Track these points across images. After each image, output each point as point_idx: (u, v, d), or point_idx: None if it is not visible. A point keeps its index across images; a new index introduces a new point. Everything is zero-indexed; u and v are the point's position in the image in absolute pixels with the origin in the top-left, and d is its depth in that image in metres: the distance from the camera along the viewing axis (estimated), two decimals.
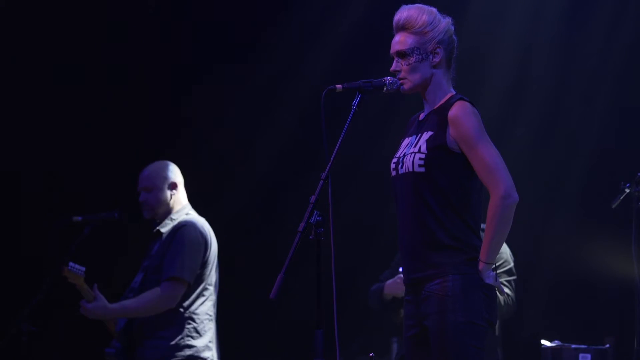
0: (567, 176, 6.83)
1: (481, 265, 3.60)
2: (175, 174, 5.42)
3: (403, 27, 3.78)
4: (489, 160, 3.60)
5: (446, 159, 3.66)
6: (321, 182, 3.57)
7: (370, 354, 4.36)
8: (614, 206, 5.56)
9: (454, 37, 3.81)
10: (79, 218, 5.47)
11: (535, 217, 6.74)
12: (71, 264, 5.12)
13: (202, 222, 5.36)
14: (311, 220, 3.53)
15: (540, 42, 6.92)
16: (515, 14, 6.87)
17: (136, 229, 6.07)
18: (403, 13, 3.79)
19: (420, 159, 3.68)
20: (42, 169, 7.02)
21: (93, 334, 5.97)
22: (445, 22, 3.78)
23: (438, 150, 3.67)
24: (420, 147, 3.70)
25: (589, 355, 5.59)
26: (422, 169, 3.67)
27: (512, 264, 5.71)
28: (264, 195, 7.29)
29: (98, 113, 7.08)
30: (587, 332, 6.21)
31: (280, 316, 6.85)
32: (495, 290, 3.65)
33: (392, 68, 3.80)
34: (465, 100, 3.71)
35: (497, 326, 5.25)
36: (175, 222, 5.34)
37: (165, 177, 5.38)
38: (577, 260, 6.73)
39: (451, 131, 3.66)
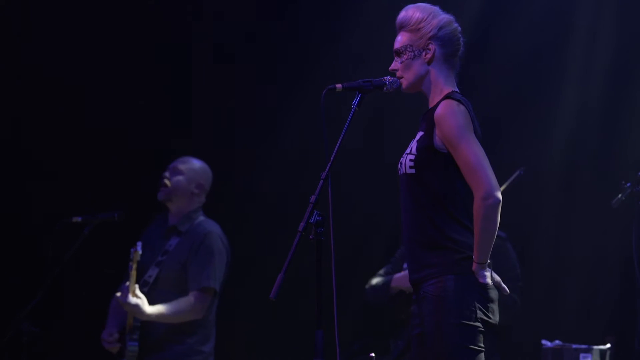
0: (568, 176, 6.82)
1: (474, 266, 3.57)
2: (208, 179, 5.45)
3: (401, 26, 3.81)
4: (469, 160, 3.56)
5: (434, 159, 3.64)
6: (321, 181, 3.57)
7: (371, 354, 4.36)
8: (615, 205, 5.56)
9: (456, 34, 3.78)
10: (79, 218, 5.48)
11: (534, 217, 6.73)
12: (139, 244, 5.11)
13: (219, 229, 5.41)
14: (311, 220, 3.53)
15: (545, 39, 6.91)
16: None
17: (136, 230, 6.06)
18: (402, 12, 3.82)
19: (410, 160, 3.69)
20: (42, 169, 7.02)
21: (92, 334, 5.96)
22: (439, 19, 3.76)
23: (426, 151, 3.66)
24: (412, 148, 3.71)
25: (589, 355, 5.59)
26: (413, 171, 3.68)
27: (519, 270, 5.71)
28: (264, 195, 7.27)
29: (97, 112, 7.07)
30: (588, 332, 6.21)
31: (280, 316, 6.84)
32: (491, 290, 3.61)
33: (390, 67, 3.82)
34: (453, 98, 3.67)
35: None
36: (194, 222, 5.34)
37: (198, 174, 5.39)
38: (577, 260, 6.73)
39: (437, 131, 3.64)
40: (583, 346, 5.63)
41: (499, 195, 3.53)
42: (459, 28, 3.81)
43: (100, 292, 6.65)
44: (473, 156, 3.56)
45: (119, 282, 5.53)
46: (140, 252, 5.07)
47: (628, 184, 5.46)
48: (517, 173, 5.96)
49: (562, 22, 6.80)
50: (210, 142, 7.22)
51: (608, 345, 5.69)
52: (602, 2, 6.74)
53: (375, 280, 5.81)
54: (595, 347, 5.65)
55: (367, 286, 5.85)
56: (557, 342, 5.72)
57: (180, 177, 5.39)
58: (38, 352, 5.76)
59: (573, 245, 6.73)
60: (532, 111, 6.87)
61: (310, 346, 3.55)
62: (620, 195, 5.47)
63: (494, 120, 6.47)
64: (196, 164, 5.49)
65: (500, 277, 3.67)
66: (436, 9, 3.80)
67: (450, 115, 3.61)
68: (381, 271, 5.86)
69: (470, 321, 3.55)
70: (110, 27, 7.00)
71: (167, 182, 5.40)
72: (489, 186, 3.52)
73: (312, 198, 3.55)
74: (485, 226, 3.51)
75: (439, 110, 3.64)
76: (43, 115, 6.97)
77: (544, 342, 5.75)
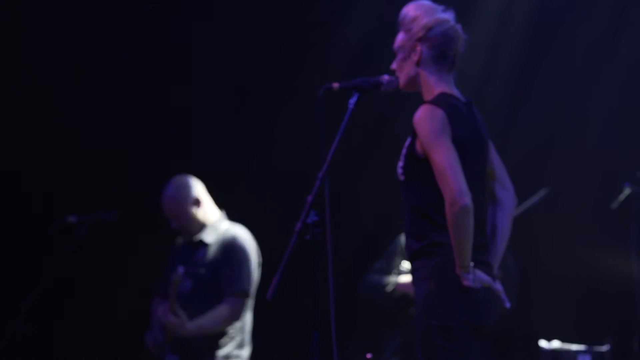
0: (565, 176, 6.81)
1: (457, 269, 3.52)
2: (194, 188, 5.42)
3: (400, 25, 3.74)
4: (438, 167, 3.50)
5: (417, 165, 3.60)
6: (318, 181, 3.55)
7: (368, 355, 4.35)
8: (614, 206, 5.55)
9: (449, 34, 3.67)
10: (75, 218, 5.46)
11: (534, 218, 6.72)
12: (181, 268, 5.11)
13: (247, 232, 5.41)
14: (308, 221, 3.51)
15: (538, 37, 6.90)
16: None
17: (134, 230, 6.05)
18: (402, 10, 3.74)
19: (400, 167, 3.66)
20: (41, 169, 7.01)
21: (90, 335, 5.97)
22: (429, 19, 3.66)
23: (410, 158, 3.62)
24: (402, 154, 3.68)
25: (588, 356, 5.59)
26: (403, 178, 3.66)
27: (517, 279, 5.70)
28: (263, 195, 7.26)
29: (97, 112, 7.06)
30: (586, 333, 6.20)
31: (277, 317, 6.83)
32: (476, 292, 3.53)
33: (391, 66, 3.78)
34: (429, 103, 3.61)
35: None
36: (219, 230, 5.35)
37: (186, 198, 5.37)
38: (576, 260, 6.72)
39: (417, 138, 3.60)
40: (582, 347, 5.63)
41: (466, 200, 3.44)
42: (457, 27, 3.68)
43: (99, 292, 6.66)
44: (440, 163, 3.49)
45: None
46: (181, 276, 5.09)
47: (627, 185, 5.46)
48: (542, 192, 5.91)
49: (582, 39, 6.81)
50: (210, 142, 7.22)
51: (607, 347, 5.68)
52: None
53: (374, 278, 5.80)
54: (594, 348, 5.65)
55: (363, 281, 5.86)
56: (555, 343, 5.72)
57: (181, 218, 5.39)
58: (34, 352, 5.76)
59: (572, 246, 6.72)
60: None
61: (308, 347, 3.54)
62: (619, 196, 5.47)
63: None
64: (172, 194, 5.41)
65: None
66: (433, 7, 3.70)
67: (423, 120, 3.54)
68: (376, 265, 5.85)
69: (451, 323, 3.51)
70: (109, 28, 6.99)
71: (179, 228, 5.42)
72: (455, 192, 3.45)
73: (309, 198, 3.54)
74: (455, 232, 3.46)
75: (415, 116, 3.58)
76: (42, 115, 6.96)
77: (542, 343, 5.75)
